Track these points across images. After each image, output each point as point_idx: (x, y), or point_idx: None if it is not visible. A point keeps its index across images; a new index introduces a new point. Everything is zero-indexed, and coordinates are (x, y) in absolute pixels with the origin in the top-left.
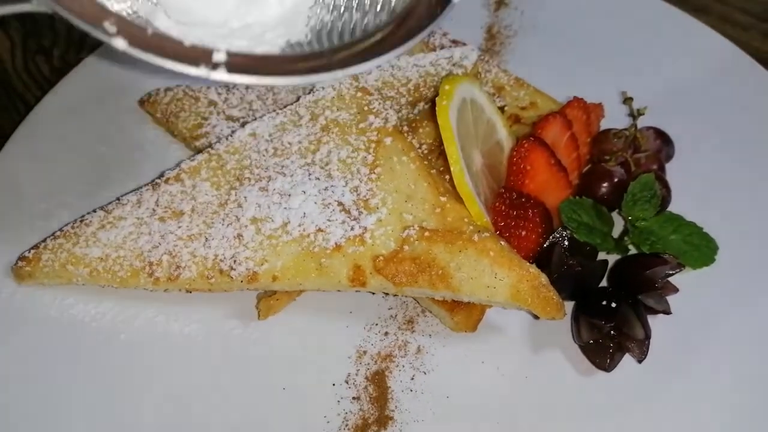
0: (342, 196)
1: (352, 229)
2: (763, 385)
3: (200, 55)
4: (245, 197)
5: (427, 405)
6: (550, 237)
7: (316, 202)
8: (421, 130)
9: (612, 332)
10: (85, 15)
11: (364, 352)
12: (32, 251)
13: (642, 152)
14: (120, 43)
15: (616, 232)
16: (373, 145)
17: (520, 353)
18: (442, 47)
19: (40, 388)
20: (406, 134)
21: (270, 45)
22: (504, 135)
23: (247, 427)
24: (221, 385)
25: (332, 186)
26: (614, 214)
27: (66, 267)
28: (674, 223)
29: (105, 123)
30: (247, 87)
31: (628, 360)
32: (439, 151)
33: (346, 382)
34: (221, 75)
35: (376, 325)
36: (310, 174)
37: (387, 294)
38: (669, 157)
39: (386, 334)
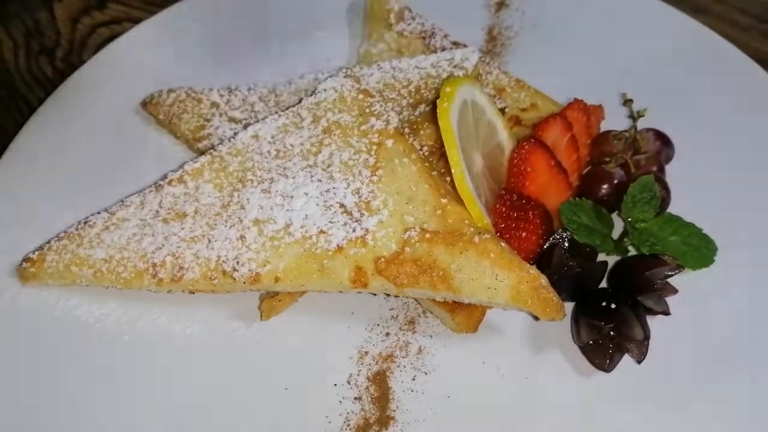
0: (344, 197)
1: (353, 230)
2: (762, 386)
3: None
4: (248, 199)
5: (428, 405)
6: (551, 238)
7: (318, 204)
8: (422, 132)
9: (611, 333)
10: None
11: (366, 353)
12: (37, 252)
13: (642, 154)
14: None
15: (616, 233)
16: (374, 147)
17: (520, 354)
18: (443, 49)
19: (44, 388)
20: (407, 136)
21: None
22: (505, 137)
23: (249, 426)
24: (224, 385)
25: (334, 188)
26: (614, 216)
27: (70, 268)
28: (673, 224)
29: (108, 125)
30: (249, 88)
31: (627, 361)
32: (440, 152)
33: (348, 383)
34: None
35: (378, 325)
36: (312, 176)
37: (388, 295)
38: (669, 158)
39: (387, 334)
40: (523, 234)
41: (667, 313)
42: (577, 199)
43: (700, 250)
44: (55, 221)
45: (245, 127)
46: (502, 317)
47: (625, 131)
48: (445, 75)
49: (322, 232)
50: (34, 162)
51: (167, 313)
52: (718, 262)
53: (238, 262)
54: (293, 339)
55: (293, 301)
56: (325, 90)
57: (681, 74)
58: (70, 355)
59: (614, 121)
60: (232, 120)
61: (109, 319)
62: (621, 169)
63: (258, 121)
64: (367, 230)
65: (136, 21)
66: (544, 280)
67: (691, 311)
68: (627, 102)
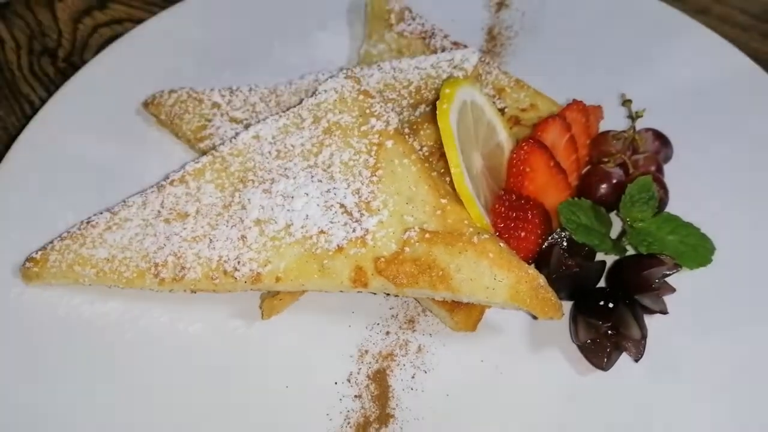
0: (344, 198)
1: (353, 230)
2: (760, 385)
3: None
4: (249, 199)
5: (428, 403)
6: (549, 238)
7: (318, 204)
8: (422, 133)
9: (609, 332)
10: None
11: (366, 351)
12: (40, 252)
13: (640, 154)
14: None
15: (614, 233)
16: (374, 147)
17: (519, 352)
18: (443, 49)
19: (46, 386)
20: (407, 136)
21: None
22: (504, 137)
23: (250, 424)
24: (225, 383)
25: (334, 188)
26: (612, 215)
27: (73, 268)
28: (671, 224)
29: (110, 125)
30: (250, 89)
31: (625, 359)
32: (439, 153)
33: (348, 381)
34: None
35: (378, 324)
36: (312, 176)
37: (388, 294)
38: (667, 158)
39: (387, 333)
40: (522, 234)
41: (664, 312)
42: (575, 198)
43: (697, 250)
44: (57, 221)
45: (246, 127)
46: (501, 316)
47: (624, 131)
48: (445, 75)
49: (322, 232)
50: (36, 162)
51: (169, 312)
52: (716, 262)
53: (239, 262)
54: (294, 338)
55: (294, 300)
56: (325, 91)
57: (680, 74)
58: (72, 353)
59: (613, 121)
60: (233, 120)
61: (112, 318)
62: (620, 168)
63: (259, 121)
64: (367, 230)
65: (138, 21)
66: (542, 279)
67: (688, 310)
68: (626, 102)
